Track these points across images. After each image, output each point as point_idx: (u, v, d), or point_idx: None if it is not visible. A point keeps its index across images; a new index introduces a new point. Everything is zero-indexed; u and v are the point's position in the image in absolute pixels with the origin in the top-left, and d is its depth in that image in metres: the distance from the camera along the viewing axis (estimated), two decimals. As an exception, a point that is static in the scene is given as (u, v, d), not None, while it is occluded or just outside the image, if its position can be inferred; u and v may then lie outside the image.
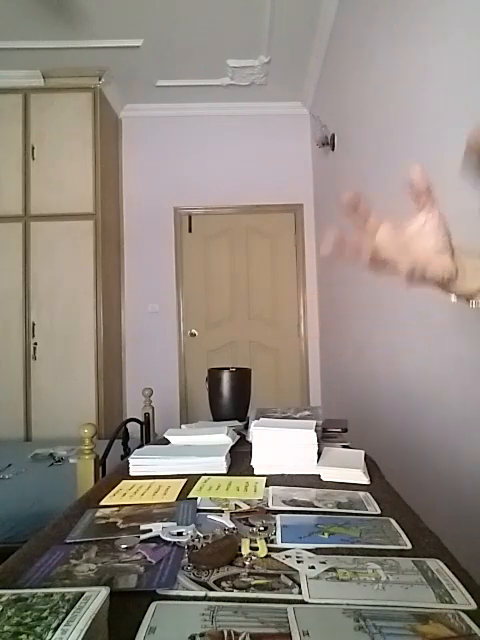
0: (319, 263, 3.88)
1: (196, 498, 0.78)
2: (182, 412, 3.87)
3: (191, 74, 3.57)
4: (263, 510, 0.72)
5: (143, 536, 0.62)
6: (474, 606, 0.45)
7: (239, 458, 1.03)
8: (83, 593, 0.39)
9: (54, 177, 3.36)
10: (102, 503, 0.78)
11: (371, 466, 0.97)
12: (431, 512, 1.08)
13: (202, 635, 0.40)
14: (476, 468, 1.31)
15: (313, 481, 0.88)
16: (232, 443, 1.12)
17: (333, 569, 0.53)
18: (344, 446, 1.12)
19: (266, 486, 0.85)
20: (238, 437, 1.21)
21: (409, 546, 0.60)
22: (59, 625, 0.34)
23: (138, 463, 0.97)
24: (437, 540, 0.62)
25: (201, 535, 0.61)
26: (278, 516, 0.69)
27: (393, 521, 0.68)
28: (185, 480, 0.88)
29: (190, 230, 4.02)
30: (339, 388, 3.24)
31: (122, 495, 0.82)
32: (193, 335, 3.95)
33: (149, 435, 2.55)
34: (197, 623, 0.42)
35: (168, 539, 0.61)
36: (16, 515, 1.83)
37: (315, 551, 0.58)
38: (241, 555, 0.57)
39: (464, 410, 1.38)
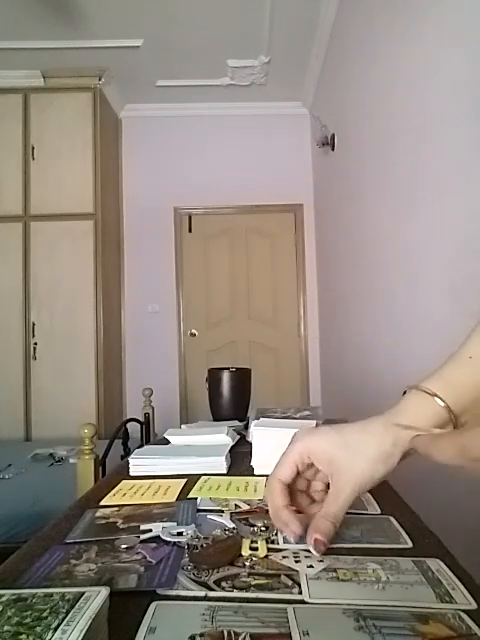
0: (319, 263, 3.89)
1: (196, 498, 0.78)
2: (182, 412, 3.87)
3: (191, 74, 3.57)
4: (263, 510, 0.72)
5: (143, 536, 0.62)
6: (474, 606, 0.45)
7: (239, 458, 1.03)
8: (83, 593, 0.39)
9: (54, 177, 3.37)
10: (102, 503, 0.78)
11: (371, 466, 0.97)
12: (431, 512, 1.08)
13: (202, 635, 0.40)
14: (476, 468, 1.31)
15: (313, 481, 0.88)
16: (232, 443, 1.12)
17: (333, 569, 0.53)
18: (344, 446, 1.12)
19: (266, 486, 0.85)
20: (238, 437, 1.21)
21: (410, 545, 0.60)
22: (59, 625, 0.34)
23: (138, 463, 0.96)
24: (437, 540, 0.62)
25: (201, 535, 0.61)
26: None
27: (393, 520, 0.68)
28: (185, 480, 0.88)
29: (190, 230, 4.02)
30: (339, 388, 3.24)
31: (122, 495, 0.81)
32: (193, 335, 3.95)
33: (149, 435, 2.55)
34: (197, 623, 0.42)
35: (168, 539, 0.61)
36: (16, 515, 1.83)
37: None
38: (242, 555, 0.57)
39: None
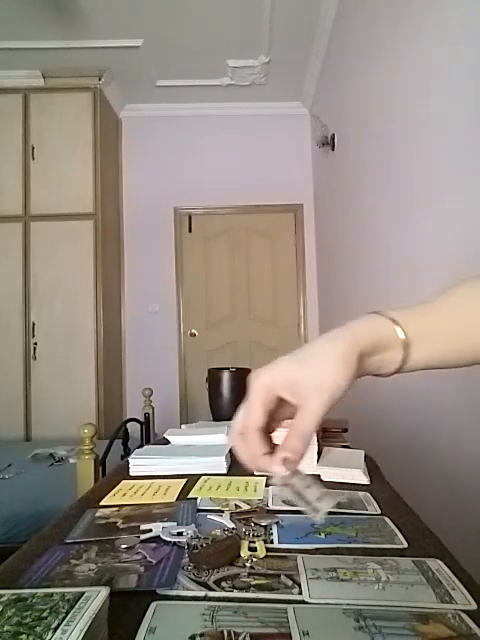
0: (319, 263, 3.89)
1: (196, 498, 0.78)
2: (182, 412, 3.87)
3: (191, 74, 3.57)
4: (263, 510, 0.72)
5: (143, 536, 0.62)
6: (474, 606, 0.45)
7: (239, 458, 1.03)
8: (83, 593, 0.39)
9: (54, 177, 3.37)
10: (102, 503, 0.78)
11: (371, 466, 0.97)
12: (431, 512, 1.08)
13: (202, 635, 0.40)
14: (476, 467, 1.31)
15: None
16: (232, 443, 1.11)
17: (333, 569, 0.53)
18: (344, 446, 1.12)
19: (266, 486, 0.85)
20: (238, 437, 1.21)
21: (405, 545, 0.60)
22: (59, 625, 0.34)
23: (138, 463, 0.97)
24: (437, 540, 0.62)
25: (201, 535, 0.61)
26: (276, 516, 0.69)
27: (388, 520, 0.68)
28: (185, 480, 0.88)
29: (190, 230, 4.02)
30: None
31: (122, 495, 0.82)
32: (193, 335, 3.95)
33: (149, 435, 2.55)
34: (197, 623, 0.42)
35: (168, 539, 0.61)
36: (16, 515, 1.83)
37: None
38: (241, 556, 0.57)
39: (463, 409, 1.38)
